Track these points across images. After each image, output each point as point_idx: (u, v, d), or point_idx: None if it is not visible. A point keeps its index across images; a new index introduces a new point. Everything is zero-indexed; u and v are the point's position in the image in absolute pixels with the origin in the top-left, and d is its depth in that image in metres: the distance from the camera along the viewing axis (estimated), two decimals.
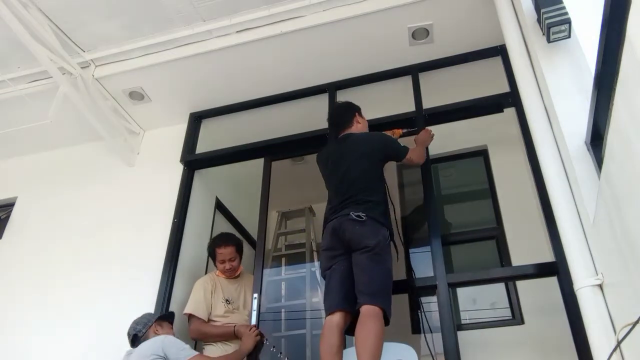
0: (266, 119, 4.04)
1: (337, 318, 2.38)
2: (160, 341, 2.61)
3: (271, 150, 3.69)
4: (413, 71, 3.64)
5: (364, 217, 2.48)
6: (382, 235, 2.49)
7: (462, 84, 3.52)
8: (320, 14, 3.41)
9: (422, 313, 3.22)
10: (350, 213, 2.50)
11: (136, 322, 2.86)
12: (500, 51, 3.42)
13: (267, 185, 3.52)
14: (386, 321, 2.33)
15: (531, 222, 3.08)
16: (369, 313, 2.26)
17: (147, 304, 3.22)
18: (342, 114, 3.05)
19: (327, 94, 3.79)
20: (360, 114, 3.04)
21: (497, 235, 3.47)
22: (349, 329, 2.40)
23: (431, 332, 3.06)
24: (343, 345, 2.37)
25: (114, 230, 3.72)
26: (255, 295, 3.07)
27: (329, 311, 2.43)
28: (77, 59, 3.71)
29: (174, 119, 4.14)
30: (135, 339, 2.77)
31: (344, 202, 2.60)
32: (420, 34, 3.47)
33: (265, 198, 3.46)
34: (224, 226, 4.18)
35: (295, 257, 4.66)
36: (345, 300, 2.40)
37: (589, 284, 1.98)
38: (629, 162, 1.41)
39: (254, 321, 2.99)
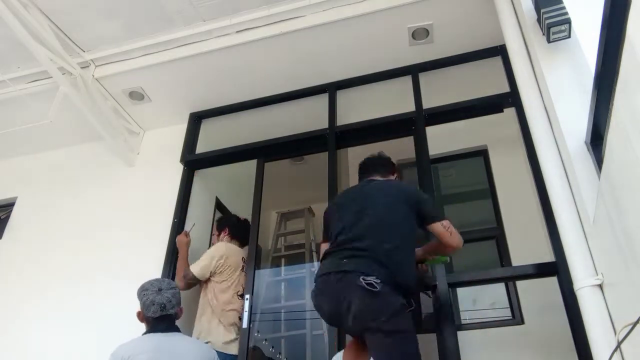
0: (266, 119, 4.03)
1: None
2: (213, 357, 2.44)
3: (268, 151, 3.68)
4: (413, 71, 3.64)
5: (378, 287, 1.96)
6: (394, 307, 2.00)
7: (462, 84, 3.52)
8: (320, 14, 3.41)
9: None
10: (361, 278, 1.98)
11: (170, 296, 2.39)
12: (500, 51, 3.41)
13: (260, 187, 3.52)
14: None
15: (531, 222, 3.08)
16: None
17: None
18: (379, 163, 2.67)
19: (327, 94, 3.79)
20: (397, 172, 2.73)
21: (497, 235, 3.46)
22: None
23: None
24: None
25: (113, 230, 3.72)
26: (247, 296, 3.07)
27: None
28: (77, 59, 3.71)
29: (174, 119, 4.14)
30: (165, 319, 2.39)
31: (355, 248, 2.12)
32: (420, 34, 3.47)
33: (258, 199, 3.47)
34: None
35: (295, 258, 4.67)
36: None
37: (589, 284, 1.98)
38: (629, 162, 1.40)
39: (245, 323, 2.99)
